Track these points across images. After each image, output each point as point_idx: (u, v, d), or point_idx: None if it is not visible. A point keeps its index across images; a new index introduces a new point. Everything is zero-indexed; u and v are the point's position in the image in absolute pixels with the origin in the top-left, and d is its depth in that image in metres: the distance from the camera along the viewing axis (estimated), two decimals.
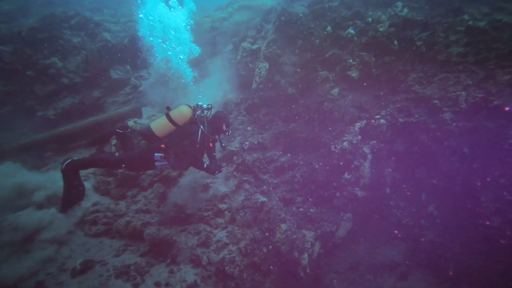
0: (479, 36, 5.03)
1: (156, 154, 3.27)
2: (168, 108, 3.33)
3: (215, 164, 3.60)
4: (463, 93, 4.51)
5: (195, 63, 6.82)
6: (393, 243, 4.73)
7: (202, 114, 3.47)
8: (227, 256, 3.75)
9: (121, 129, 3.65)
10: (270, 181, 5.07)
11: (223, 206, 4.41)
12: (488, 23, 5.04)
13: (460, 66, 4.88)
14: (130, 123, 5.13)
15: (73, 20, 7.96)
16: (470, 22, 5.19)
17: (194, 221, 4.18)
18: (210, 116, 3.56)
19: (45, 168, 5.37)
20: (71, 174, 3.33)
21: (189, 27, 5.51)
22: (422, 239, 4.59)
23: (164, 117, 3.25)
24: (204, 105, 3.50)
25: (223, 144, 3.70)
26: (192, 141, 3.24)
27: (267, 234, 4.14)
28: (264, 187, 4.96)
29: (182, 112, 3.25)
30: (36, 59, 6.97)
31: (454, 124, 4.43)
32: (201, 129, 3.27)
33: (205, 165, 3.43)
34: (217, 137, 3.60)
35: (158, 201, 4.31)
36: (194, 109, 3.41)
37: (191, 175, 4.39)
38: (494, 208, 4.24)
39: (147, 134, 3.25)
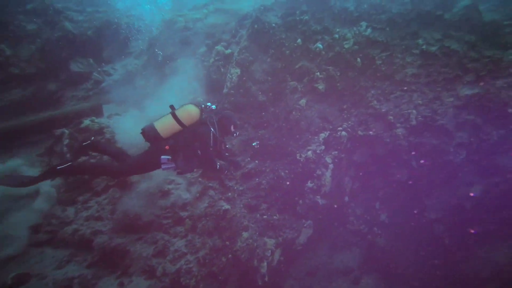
0: (430, 60, 5.57)
1: (162, 156, 3.03)
2: (173, 107, 3.12)
3: (232, 163, 3.54)
4: (414, 111, 4.94)
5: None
6: (349, 249, 4.98)
7: (211, 115, 3.29)
8: (184, 267, 3.64)
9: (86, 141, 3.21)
10: (236, 187, 5.05)
11: (184, 213, 4.28)
12: (439, 49, 5.60)
13: (413, 86, 5.34)
14: (87, 121, 4.77)
15: (30, 4, 7.24)
16: (424, 47, 5.73)
17: (151, 229, 3.99)
18: (218, 117, 3.37)
19: None
20: (48, 177, 2.87)
21: None
22: (375, 245, 4.91)
23: (170, 116, 3.04)
24: (213, 106, 3.32)
25: (227, 146, 3.56)
26: (204, 143, 3.10)
27: (227, 242, 4.10)
28: (230, 194, 4.91)
29: (190, 113, 3.06)
30: None
31: (404, 139, 4.83)
32: (212, 132, 3.13)
33: (218, 166, 3.30)
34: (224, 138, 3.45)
35: (113, 208, 4.05)
36: (202, 109, 3.22)
37: (149, 181, 4.20)
38: (436, 218, 4.69)
39: (151, 134, 3.02)
